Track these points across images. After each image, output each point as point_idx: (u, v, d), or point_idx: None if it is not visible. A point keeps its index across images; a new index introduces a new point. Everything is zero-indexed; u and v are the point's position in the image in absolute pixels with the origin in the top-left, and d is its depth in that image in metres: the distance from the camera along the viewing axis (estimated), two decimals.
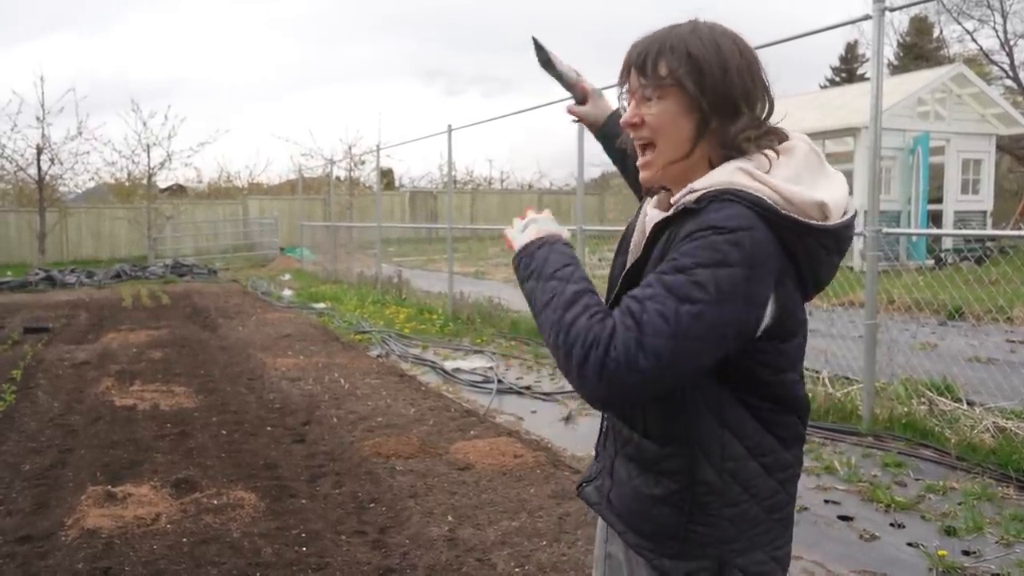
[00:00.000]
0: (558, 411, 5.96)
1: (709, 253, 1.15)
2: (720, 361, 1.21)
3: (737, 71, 1.26)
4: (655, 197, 1.43)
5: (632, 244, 1.44)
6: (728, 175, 1.23)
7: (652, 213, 1.37)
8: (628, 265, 1.36)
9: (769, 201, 1.19)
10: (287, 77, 70.97)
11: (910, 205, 15.36)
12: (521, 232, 1.39)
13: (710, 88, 1.25)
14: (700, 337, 1.14)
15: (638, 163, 1.34)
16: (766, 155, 1.26)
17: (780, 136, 1.30)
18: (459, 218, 28.91)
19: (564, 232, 1.40)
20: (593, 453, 1.59)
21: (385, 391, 6.63)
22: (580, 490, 1.55)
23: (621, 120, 1.35)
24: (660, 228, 1.28)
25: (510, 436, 5.23)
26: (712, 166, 1.29)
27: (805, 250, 1.23)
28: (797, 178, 1.25)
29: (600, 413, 1.51)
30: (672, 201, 1.29)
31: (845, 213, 1.26)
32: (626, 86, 1.35)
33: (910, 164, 15.29)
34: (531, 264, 1.32)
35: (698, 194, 1.23)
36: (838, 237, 1.26)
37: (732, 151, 1.27)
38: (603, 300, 1.38)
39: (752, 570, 1.34)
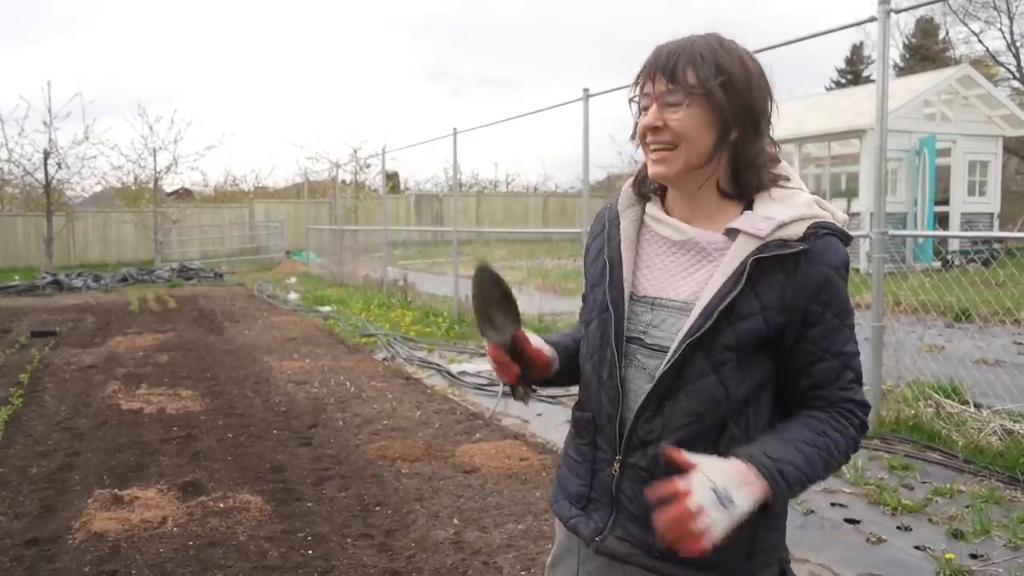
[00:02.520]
0: (564, 414, 5.95)
1: (846, 290, 1.32)
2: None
3: (759, 88, 1.31)
4: (654, 215, 1.41)
5: (625, 270, 1.38)
6: (808, 207, 1.29)
7: (682, 231, 1.35)
8: (730, 298, 1.26)
9: (841, 227, 1.31)
10: (293, 81, 71.15)
11: (916, 207, 15.32)
12: (733, 506, 1.17)
13: (736, 101, 1.28)
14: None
15: (652, 159, 1.33)
16: (796, 180, 1.35)
17: (782, 168, 1.37)
18: (464, 221, 28.92)
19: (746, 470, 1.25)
20: (573, 499, 1.45)
21: (391, 394, 6.64)
22: (595, 547, 1.38)
23: (642, 122, 1.32)
24: (758, 261, 1.26)
25: (516, 439, 5.23)
26: (721, 180, 1.33)
27: None
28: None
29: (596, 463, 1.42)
30: (749, 230, 1.27)
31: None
32: (642, 89, 1.33)
33: (916, 166, 15.25)
34: (791, 489, 1.26)
35: (798, 228, 1.27)
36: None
37: (748, 170, 1.31)
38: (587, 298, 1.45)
39: (788, 560, 1.43)
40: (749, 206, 1.32)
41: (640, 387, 1.34)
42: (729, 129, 1.29)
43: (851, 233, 1.35)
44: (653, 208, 1.42)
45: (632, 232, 1.42)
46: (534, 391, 1.53)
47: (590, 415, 1.42)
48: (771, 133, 1.34)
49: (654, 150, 1.32)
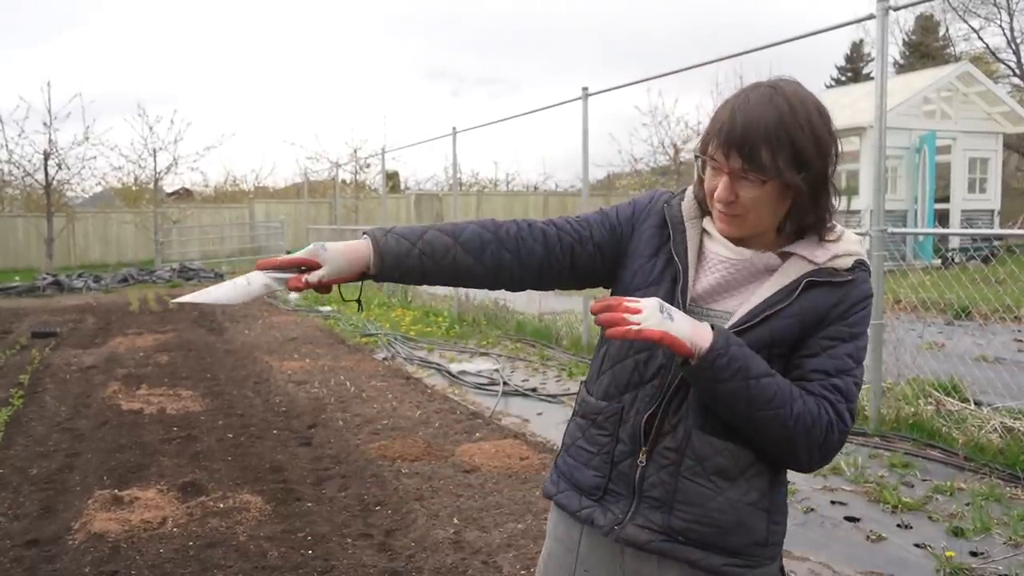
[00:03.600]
0: (564, 413, 5.95)
1: (867, 320, 1.39)
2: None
3: (832, 155, 1.35)
4: (714, 237, 1.44)
5: (690, 281, 1.42)
6: (856, 244, 1.41)
7: (740, 252, 1.40)
8: (780, 306, 1.35)
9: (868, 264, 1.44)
10: (293, 80, 71.13)
11: (916, 204, 15.32)
12: (671, 320, 1.26)
13: (811, 178, 1.32)
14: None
15: (720, 218, 1.38)
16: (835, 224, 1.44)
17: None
18: (464, 220, 28.85)
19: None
20: (583, 492, 1.48)
21: (391, 394, 6.64)
22: (614, 535, 1.40)
23: (716, 194, 1.34)
24: (812, 282, 1.36)
25: (516, 438, 5.23)
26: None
27: None
28: None
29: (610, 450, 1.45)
30: (809, 256, 1.37)
31: None
32: (713, 152, 1.34)
33: (916, 163, 15.25)
34: (733, 365, 1.27)
35: (847, 261, 1.37)
36: None
37: (807, 220, 1.37)
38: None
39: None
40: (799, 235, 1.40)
41: (671, 383, 1.39)
42: (802, 202, 1.34)
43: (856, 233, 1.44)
44: (709, 224, 1.45)
45: (697, 242, 1.45)
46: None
47: (619, 408, 1.44)
48: (834, 180, 1.38)
49: (722, 213, 1.36)
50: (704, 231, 1.45)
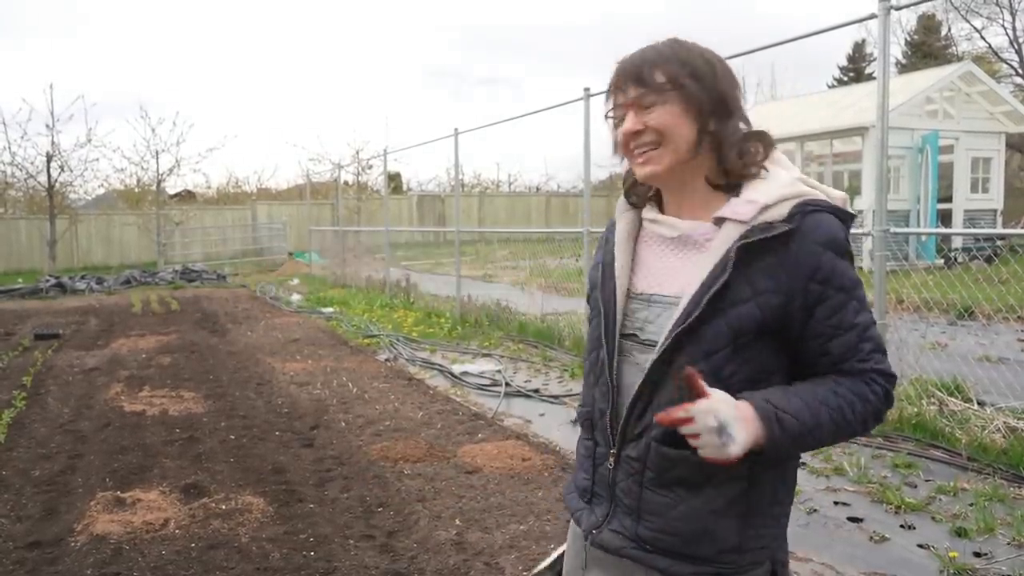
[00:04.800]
0: (566, 414, 5.95)
1: (847, 263, 1.30)
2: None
3: (723, 74, 1.34)
4: (651, 215, 1.43)
5: (618, 266, 1.42)
6: (791, 186, 1.30)
7: (675, 227, 1.37)
8: (717, 285, 1.27)
9: (834, 203, 1.31)
10: (294, 82, 71.17)
11: (919, 204, 15.29)
12: (732, 443, 1.22)
13: (707, 88, 1.31)
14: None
15: (639, 160, 1.36)
16: (782, 160, 1.36)
17: (770, 146, 1.36)
18: (467, 221, 28.94)
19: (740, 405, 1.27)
20: (580, 494, 1.49)
21: (393, 395, 6.64)
22: (592, 539, 1.42)
23: (623, 130, 1.35)
24: (743, 248, 1.27)
25: (518, 439, 5.23)
26: (708, 173, 1.35)
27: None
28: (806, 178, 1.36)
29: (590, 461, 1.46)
30: (732, 216, 1.29)
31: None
32: (615, 102, 1.38)
33: (919, 163, 15.22)
34: (788, 432, 1.25)
35: (784, 209, 1.27)
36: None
37: (730, 154, 1.32)
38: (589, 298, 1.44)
39: (785, 563, 1.41)
40: (739, 195, 1.34)
41: (633, 382, 1.35)
42: (706, 117, 1.31)
43: (851, 211, 1.34)
44: (649, 211, 1.44)
45: (626, 233, 1.45)
46: None
47: (588, 411, 1.46)
48: (747, 118, 1.36)
49: (640, 153, 1.35)
50: (644, 220, 1.45)
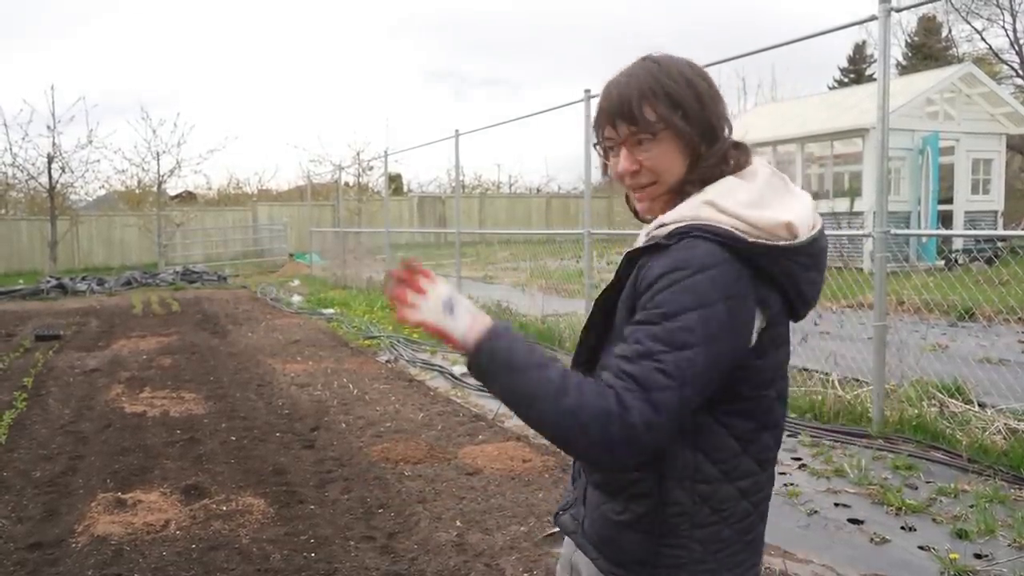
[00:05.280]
0: None
1: (690, 296, 1.19)
2: None
3: (709, 98, 1.34)
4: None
5: None
6: (694, 209, 1.27)
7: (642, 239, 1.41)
8: (604, 292, 1.36)
9: (737, 232, 1.22)
10: (295, 83, 71.21)
11: (920, 206, 15.29)
12: (451, 315, 1.28)
13: (697, 121, 1.32)
14: (701, 376, 1.19)
15: (637, 197, 1.39)
16: (729, 181, 1.31)
17: (746, 156, 1.35)
18: (467, 222, 28.93)
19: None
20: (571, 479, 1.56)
21: (394, 396, 6.64)
22: (556, 518, 1.54)
23: (619, 170, 1.35)
24: (632, 257, 1.32)
25: (519, 441, 5.23)
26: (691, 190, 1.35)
27: (783, 271, 1.26)
28: (760, 201, 1.27)
29: None
30: (644, 233, 1.34)
31: (813, 228, 1.30)
32: (604, 133, 1.37)
33: (919, 164, 15.22)
34: (495, 360, 1.26)
35: (668, 228, 1.27)
36: (809, 252, 1.29)
37: (707, 174, 1.32)
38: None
39: None
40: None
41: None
42: (697, 147, 1.32)
43: (781, 242, 1.24)
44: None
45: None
46: None
47: None
48: (730, 124, 1.36)
49: (636, 190, 1.37)
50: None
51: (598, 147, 1.41)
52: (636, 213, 1.47)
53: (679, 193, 1.33)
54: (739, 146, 1.36)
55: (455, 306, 1.29)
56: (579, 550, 1.46)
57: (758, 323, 1.26)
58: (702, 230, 1.23)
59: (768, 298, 1.26)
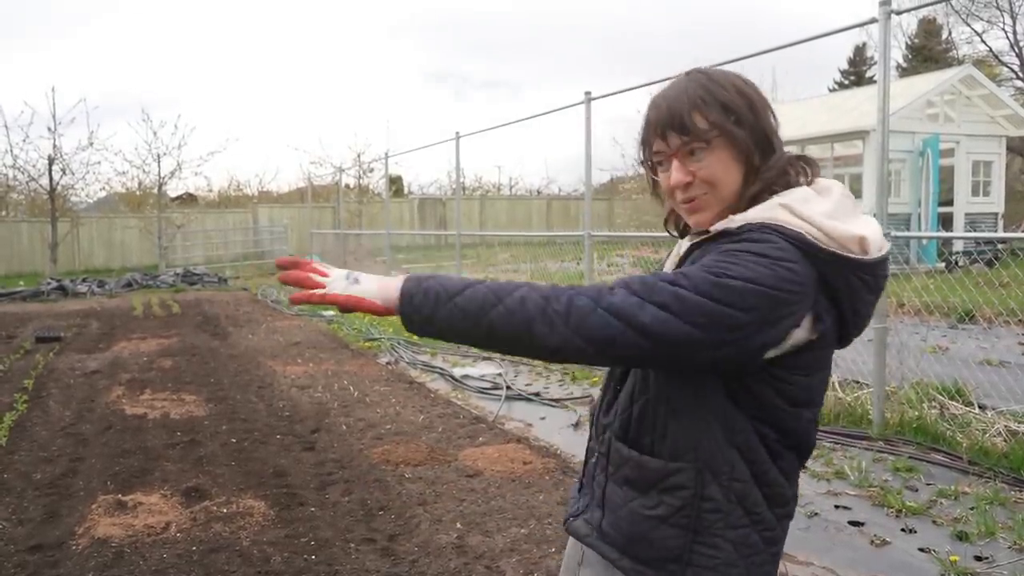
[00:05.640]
0: (567, 417, 5.95)
1: (743, 269, 1.16)
2: (733, 379, 1.25)
3: (761, 107, 1.32)
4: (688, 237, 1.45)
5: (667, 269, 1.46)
6: (769, 211, 1.25)
7: (686, 243, 1.40)
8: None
9: (810, 237, 1.21)
10: (296, 85, 71.26)
11: (920, 208, 15.29)
12: (357, 284, 1.27)
13: (751, 129, 1.29)
14: (704, 326, 1.14)
15: (687, 209, 1.34)
16: (804, 190, 1.29)
17: (814, 167, 1.34)
18: (467, 224, 28.93)
19: None
20: (578, 485, 1.54)
21: (394, 398, 6.64)
22: (567, 525, 1.50)
23: (671, 182, 1.32)
24: (694, 248, 1.31)
25: (519, 443, 5.23)
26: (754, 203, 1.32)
27: (847, 286, 1.24)
28: (835, 214, 1.26)
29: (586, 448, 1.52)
30: (711, 229, 1.30)
31: (881, 249, 1.27)
32: (652, 147, 1.34)
33: (920, 166, 15.23)
34: (430, 296, 1.22)
35: (739, 223, 1.26)
36: (875, 273, 1.26)
37: (776, 184, 1.30)
38: None
39: None
40: None
41: (610, 383, 1.44)
42: (752, 158, 1.30)
43: (854, 255, 1.22)
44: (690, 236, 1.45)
45: (677, 250, 1.44)
46: None
47: (592, 407, 1.54)
48: (782, 147, 1.34)
49: (687, 202, 1.33)
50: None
51: (645, 164, 1.37)
52: (680, 234, 1.46)
53: (740, 203, 1.31)
54: (806, 160, 1.34)
55: (358, 277, 1.28)
56: (587, 556, 1.44)
57: (803, 334, 1.23)
58: (775, 228, 1.22)
59: (824, 313, 1.24)
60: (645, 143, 1.35)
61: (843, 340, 1.32)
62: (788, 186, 1.29)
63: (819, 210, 1.24)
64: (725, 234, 1.26)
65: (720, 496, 1.29)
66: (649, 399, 1.33)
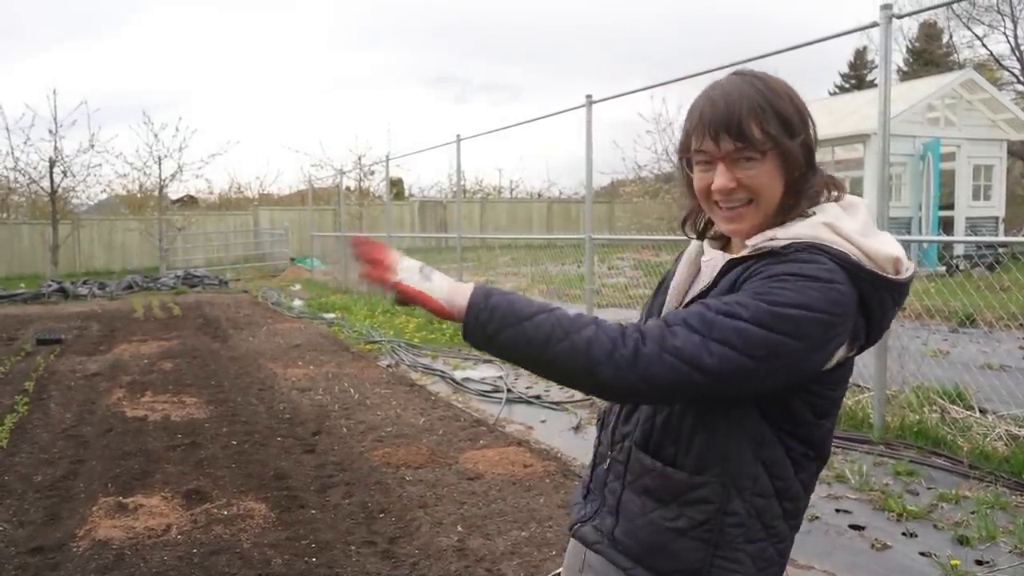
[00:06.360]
0: (568, 420, 5.95)
1: (799, 296, 1.17)
2: (768, 396, 1.24)
3: (811, 121, 1.31)
4: (706, 240, 1.45)
5: (674, 283, 1.45)
6: (813, 229, 1.25)
7: (714, 255, 1.39)
8: (695, 292, 1.33)
9: (854, 257, 1.22)
10: (297, 87, 71.35)
11: (921, 211, 15.29)
12: (429, 281, 1.24)
13: (802, 144, 1.28)
14: (762, 358, 1.15)
15: (725, 216, 1.32)
16: (835, 208, 1.29)
17: (839, 185, 1.34)
18: (468, 227, 28.94)
19: None
20: (583, 491, 1.52)
21: (395, 401, 6.64)
22: (574, 531, 1.47)
23: (714, 186, 1.29)
24: (733, 264, 1.29)
25: (520, 446, 5.23)
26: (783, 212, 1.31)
27: (880, 305, 1.25)
28: (865, 232, 1.27)
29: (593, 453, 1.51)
30: (749, 243, 1.29)
31: (909, 268, 1.28)
32: (701, 144, 1.30)
33: (921, 170, 15.23)
34: (497, 314, 1.20)
35: (783, 242, 1.25)
36: (904, 292, 1.28)
37: (812, 200, 1.30)
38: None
39: None
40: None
41: None
42: (797, 173, 1.29)
43: (890, 275, 1.23)
44: (709, 240, 1.45)
45: (691, 254, 1.45)
46: None
47: (603, 411, 1.52)
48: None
49: (727, 208, 1.31)
50: (703, 249, 1.45)
51: (684, 160, 1.34)
52: (700, 234, 1.45)
53: (775, 215, 1.29)
54: (835, 180, 1.33)
55: (430, 274, 1.24)
56: (589, 562, 1.43)
57: (843, 352, 1.24)
58: (823, 249, 1.22)
59: (860, 331, 1.25)
60: (694, 137, 1.31)
61: (861, 350, 1.33)
62: (818, 203, 1.29)
63: (855, 228, 1.26)
64: (772, 253, 1.24)
65: (743, 511, 1.29)
66: (674, 411, 1.31)
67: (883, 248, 1.24)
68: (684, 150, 1.34)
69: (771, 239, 1.26)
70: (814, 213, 1.28)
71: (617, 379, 1.16)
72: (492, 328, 1.20)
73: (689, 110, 1.33)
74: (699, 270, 1.44)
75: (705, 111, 1.29)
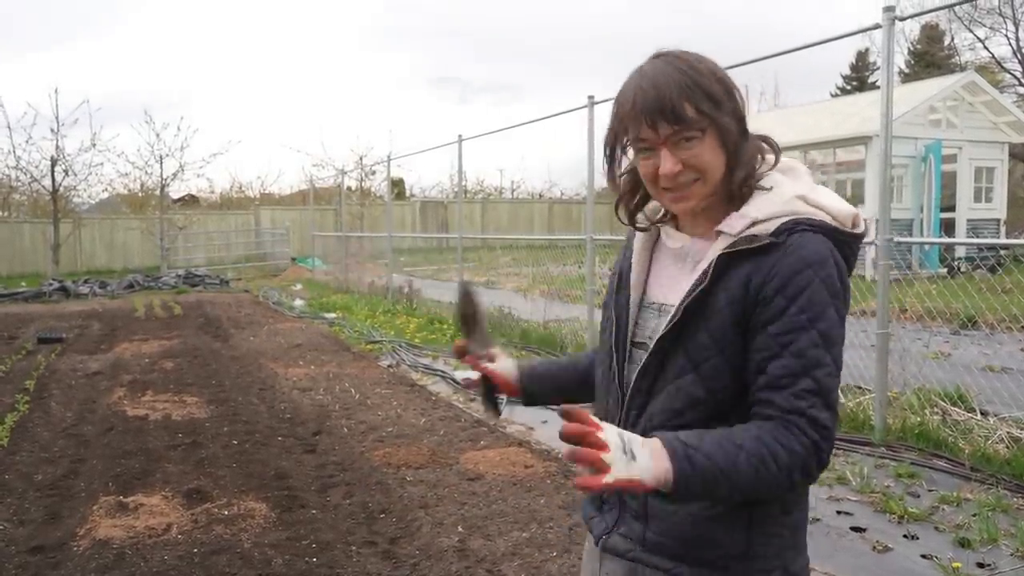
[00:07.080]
0: None
1: (825, 292, 1.23)
2: None
3: (736, 90, 1.32)
4: (662, 227, 1.43)
5: (633, 277, 1.44)
6: (788, 204, 1.28)
7: (685, 241, 1.38)
8: (696, 293, 1.28)
9: (832, 224, 1.27)
10: (299, 87, 71.39)
11: (922, 213, 15.29)
12: (634, 460, 1.15)
13: (733, 114, 1.30)
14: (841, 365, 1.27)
15: (671, 197, 1.33)
16: (777, 175, 1.32)
17: (774, 145, 1.35)
18: (469, 227, 28.93)
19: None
20: (596, 502, 1.48)
21: (396, 401, 6.64)
22: (602, 543, 1.43)
23: (662, 171, 1.29)
24: (729, 257, 1.28)
25: (521, 446, 5.23)
26: (721, 189, 1.32)
27: (847, 263, 1.31)
28: (816, 192, 1.31)
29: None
30: (725, 229, 1.29)
31: (863, 221, 1.33)
32: (638, 134, 1.30)
33: (922, 172, 15.23)
34: (697, 482, 1.18)
35: (770, 225, 1.26)
36: (858, 247, 1.34)
37: (741, 172, 1.31)
38: (606, 333, 1.44)
39: (798, 574, 1.39)
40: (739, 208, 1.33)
41: (626, 387, 1.40)
42: (734, 143, 1.30)
43: (855, 231, 1.28)
44: (665, 223, 1.45)
45: (643, 243, 1.46)
46: (500, 402, 1.80)
47: (600, 416, 1.44)
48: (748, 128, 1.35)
49: (675, 190, 1.31)
50: (661, 231, 1.45)
51: (619, 150, 1.36)
52: (631, 222, 1.46)
53: (724, 190, 1.31)
54: (768, 140, 1.35)
55: (631, 447, 1.16)
56: (607, 571, 1.42)
57: None
58: (807, 224, 1.26)
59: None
60: (627, 128, 1.32)
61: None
62: (756, 167, 1.32)
63: (826, 199, 1.30)
64: (771, 246, 1.25)
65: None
66: (700, 417, 1.29)
67: (843, 206, 1.30)
68: (616, 139, 1.35)
69: (751, 221, 1.27)
70: (771, 188, 1.30)
71: (779, 489, 1.25)
72: (699, 488, 1.20)
73: (617, 99, 1.34)
74: (651, 258, 1.44)
75: (637, 99, 1.29)
